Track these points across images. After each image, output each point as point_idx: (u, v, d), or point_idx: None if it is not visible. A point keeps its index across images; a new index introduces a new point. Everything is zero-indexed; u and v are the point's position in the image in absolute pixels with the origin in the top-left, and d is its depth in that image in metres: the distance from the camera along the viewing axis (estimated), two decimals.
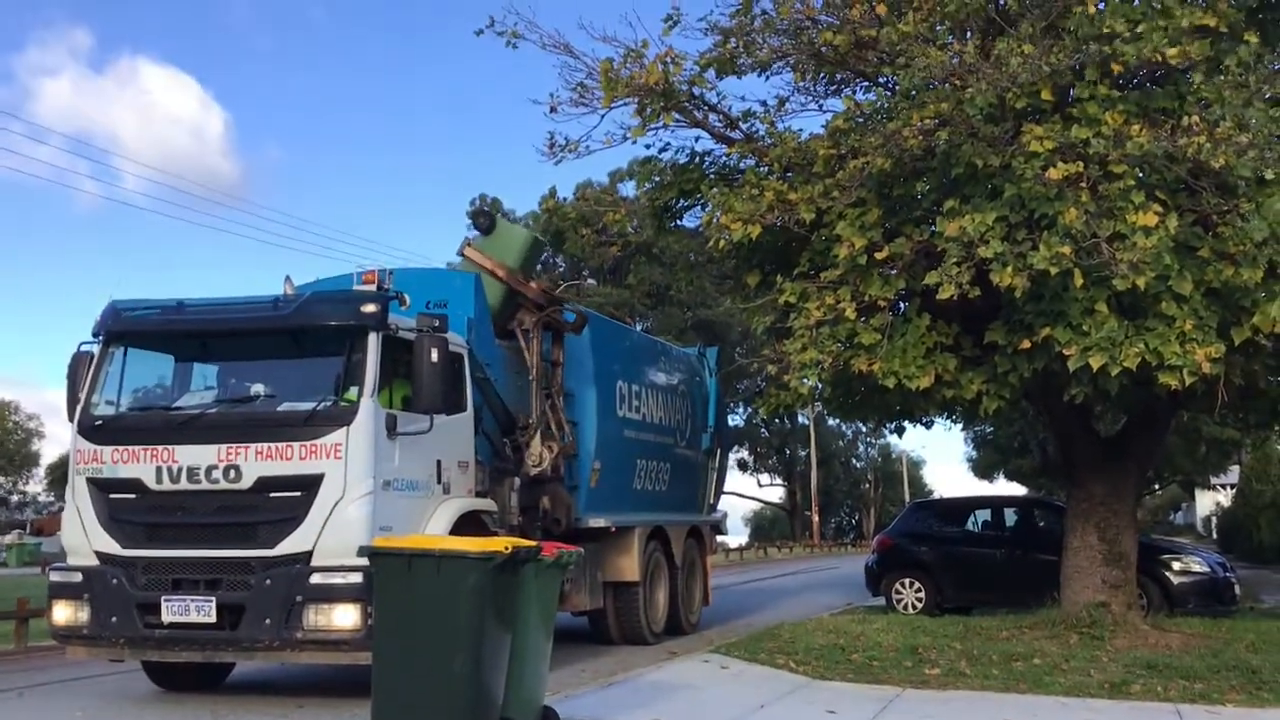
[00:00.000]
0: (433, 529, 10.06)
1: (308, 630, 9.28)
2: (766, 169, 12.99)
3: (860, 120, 12.21)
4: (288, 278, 10.98)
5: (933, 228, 11.38)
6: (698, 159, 14.25)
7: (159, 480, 9.84)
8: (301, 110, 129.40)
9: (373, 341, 9.92)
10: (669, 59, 12.41)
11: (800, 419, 67.49)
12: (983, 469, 48.67)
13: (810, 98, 13.99)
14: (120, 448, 10.03)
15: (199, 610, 9.53)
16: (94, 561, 9.95)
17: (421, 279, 11.95)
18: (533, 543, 7.51)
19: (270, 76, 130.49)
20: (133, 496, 9.92)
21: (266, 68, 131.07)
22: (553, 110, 13.09)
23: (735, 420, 72.55)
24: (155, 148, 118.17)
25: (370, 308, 9.95)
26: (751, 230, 11.89)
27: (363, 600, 8.96)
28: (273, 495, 9.56)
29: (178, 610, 9.58)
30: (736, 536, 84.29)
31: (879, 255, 11.29)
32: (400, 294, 10.34)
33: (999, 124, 11.06)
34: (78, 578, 9.99)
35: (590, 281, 52.89)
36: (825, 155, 11.98)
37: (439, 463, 10.55)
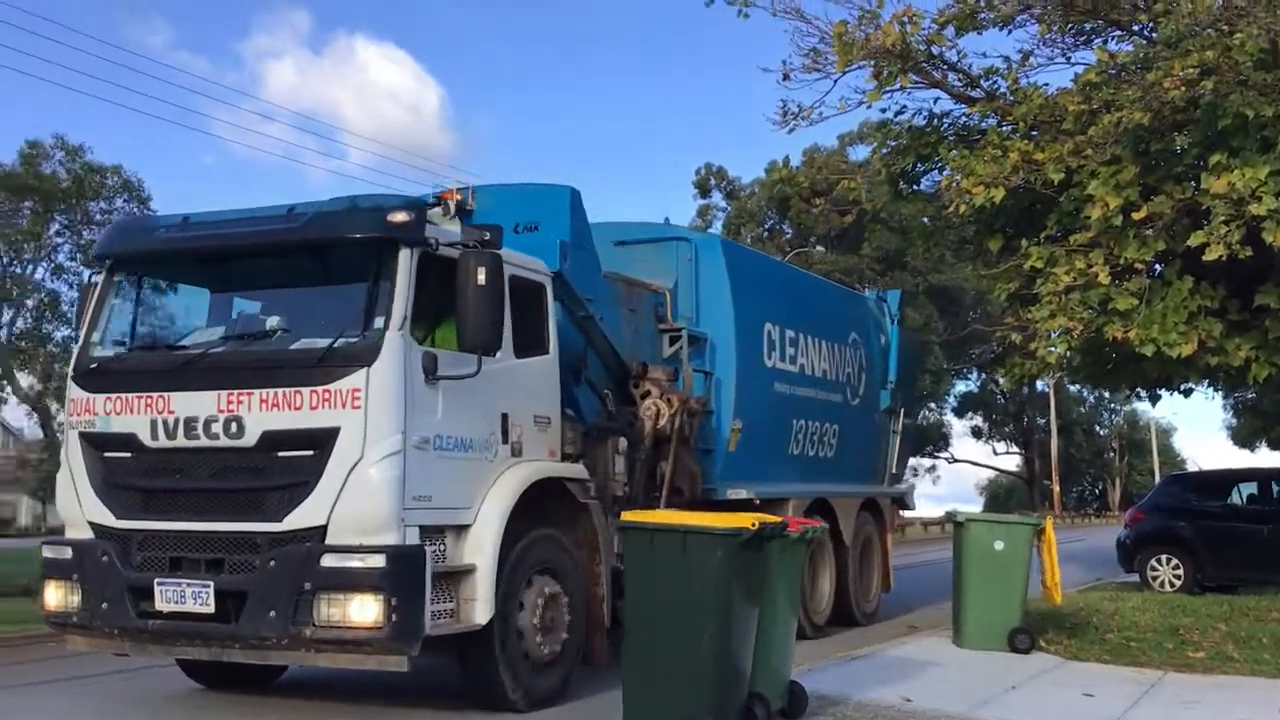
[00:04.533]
0: (493, 501, 8.08)
1: (319, 625, 7.30)
2: (1010, 128, 12.53)
3: (1114, 72, 11.63)
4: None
5: (1195, 185, 10.73)
6: (936, 121, 13.84)
7: (154, 435, 7.90)
8: (514, 82, 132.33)
9: (404, 260, 7.71)
10: (906, 18, 12.08)
11: (1039, 385, 65.10)
12: (1244, 437, 45.89)
13: (1057, 51, 13.38)
14: (114, 396, 8.11)
15: (196, 598, 7.59)
16: (88, 534, 8.16)
17: (510, 198, 9.88)
18: (778, 518, 7.43)
19: (482, 49, 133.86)
20: (128, 456, 8.05)
21: (479, 41, 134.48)
22: (785, 78, 12.97)
23: (968, 386, 70.88)
24: (374, 122, 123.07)
25: (400, 216, 7.72)
26: (995, 193, 11.49)
27: (385, 590, 7.19)
28: (280, 455, 7.59)
29: (172, 597, 7.67)
30: (969, 505, 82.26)
31: (1135, 215, 10.76)
32: (448, 199, 8.43)
33: (1271, 71, 10.29)
34: (68, 554, 8.20)
35: (819, 249, 52.25)
36: (1075, 111, 11.46)
37: (505, 417, 8.40)
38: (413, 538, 7.43)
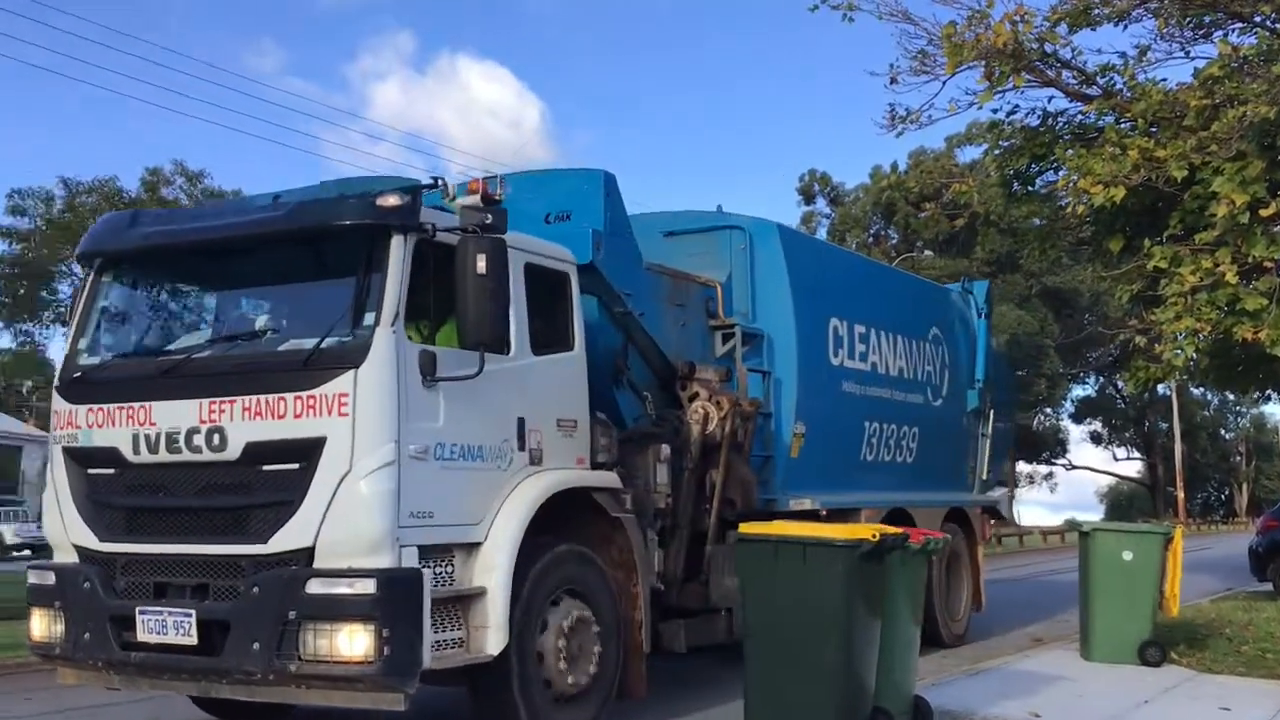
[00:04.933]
0: (508, 515, 7.26)
1: (305, 659, 6.51)
2: (1129, 125, 12.20)
3: (1237, 65, 11.24)
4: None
5: None
6: (1050, 120, 13.54)
7: (136, 450, 7.19)
8: (614, 94, 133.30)
9: (396, 248, 6.88)
10: (1018, 17, 11.84)
11: (1161, 388, 63.32)
12: None
13: (1175, 45, 13.02)
14: (95, 407, 7.40)
15: (178, 628, 6.88)
16: (73, 558, 7.47)
17: (541, 185, 9.09)
18: (900, 530, 7.31)
19: (582, 64, 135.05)
20: (111, 472, 7.36)
21: (578, 55, 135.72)
22: (892, 81, 12.86)
23: (1086, 390, 69.29)
24: (477, 139, 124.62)
25: (391, 200, 6.90)
26: (1114, 193, 11.19)
27: (377, 619, 6.39)
28: (265, 469, 6.82)
29: (154, 627, 6.96)
30: (1089, 513, 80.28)
31: (1264, 212, 10.44)
32: (444, 181, 7.62)
33: None
34: (51, 580, 7.53)
35: (927, 254, 51.58)
36: (1197, 106, 11.14)
37: (521, 421, 7.55)
38: (410, 559, 6.60)
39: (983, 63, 12.16)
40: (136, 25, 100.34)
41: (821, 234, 50.72)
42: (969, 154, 37.01)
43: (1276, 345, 10.63)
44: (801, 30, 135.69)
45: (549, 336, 7.88)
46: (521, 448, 7.53)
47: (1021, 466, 69.18)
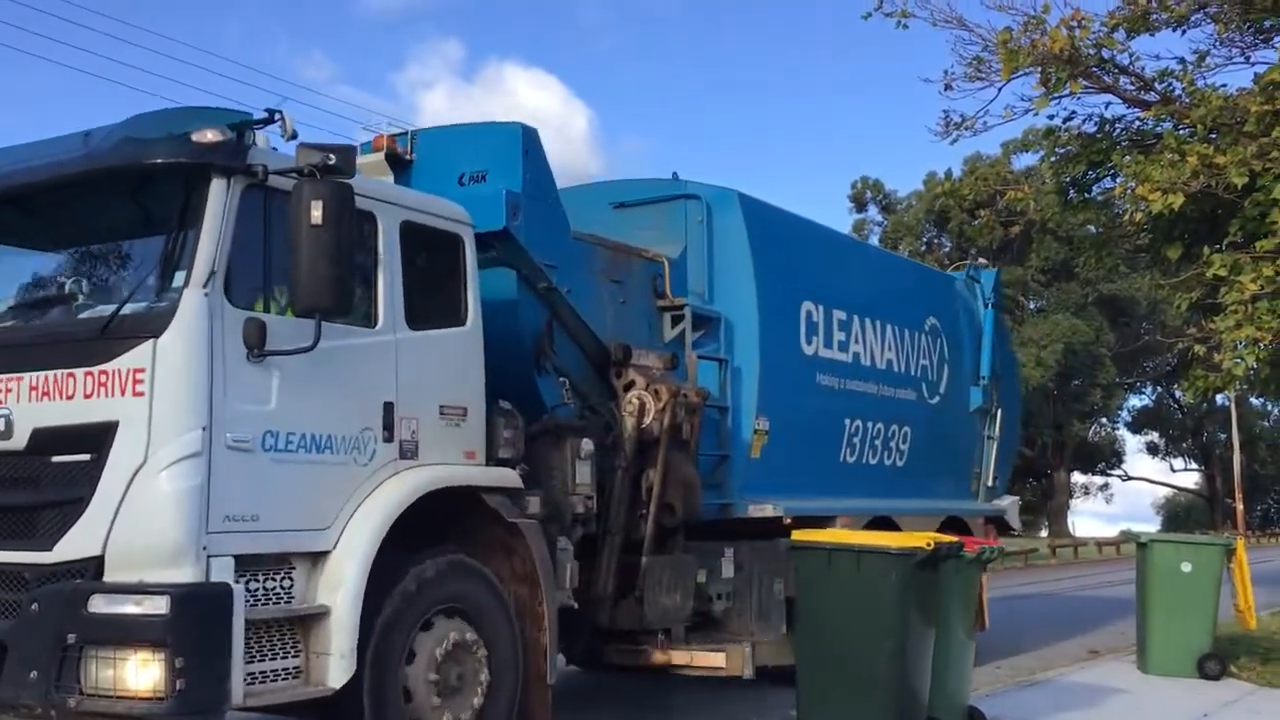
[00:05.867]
0: (364, 519, 6.07)
1: (87, 693, 5.35)
2: (1188, 131, 12.03)
3: None
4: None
5: None
6: (1107, 126, 13.37)
7: None
8: (662, 101, 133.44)
9: (216, 193, 5.69)
10: (1075, 22, 11.73)
11: (1219, 399, 62.33)
12: None
13: (1235, 50, 12.82)
14: None
15: None
16: None
17: (455, 142, 8.02)
18: (954, 538, 7.27)
19: (629, 70, 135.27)
20: None
21: (625, 62, 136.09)
22: (947, 88, 12.80)
23: (1142, 400, 68.32)
24: None
25: (209, 136, 5.66)
26: (1173, 200, 11.04)
27: (169, 646, 5.23)
28: (54, 460, 5.70)
29: None
30: (1145, 525, 79.00)
31: None
32: (282, 115, 6.00)
33: None
34: None
35: (981, 261, 51.14)
36: (1258, 112, 10.97)
37: (389, 407, 6.33)
38: (221, 571, 5.42)
39: (1039, 69, 12.04)
40: (188, 34, 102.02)
41: (874, 241, 50.40)
42: (1025, 160, 36.64)
43: None
44: (855, 37, 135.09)
45: (433, 309, 6.74)
46: (389, 438, 6.32)
47: (1077, 477, 68.49)
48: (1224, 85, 12.42)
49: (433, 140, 7.92)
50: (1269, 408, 73.89)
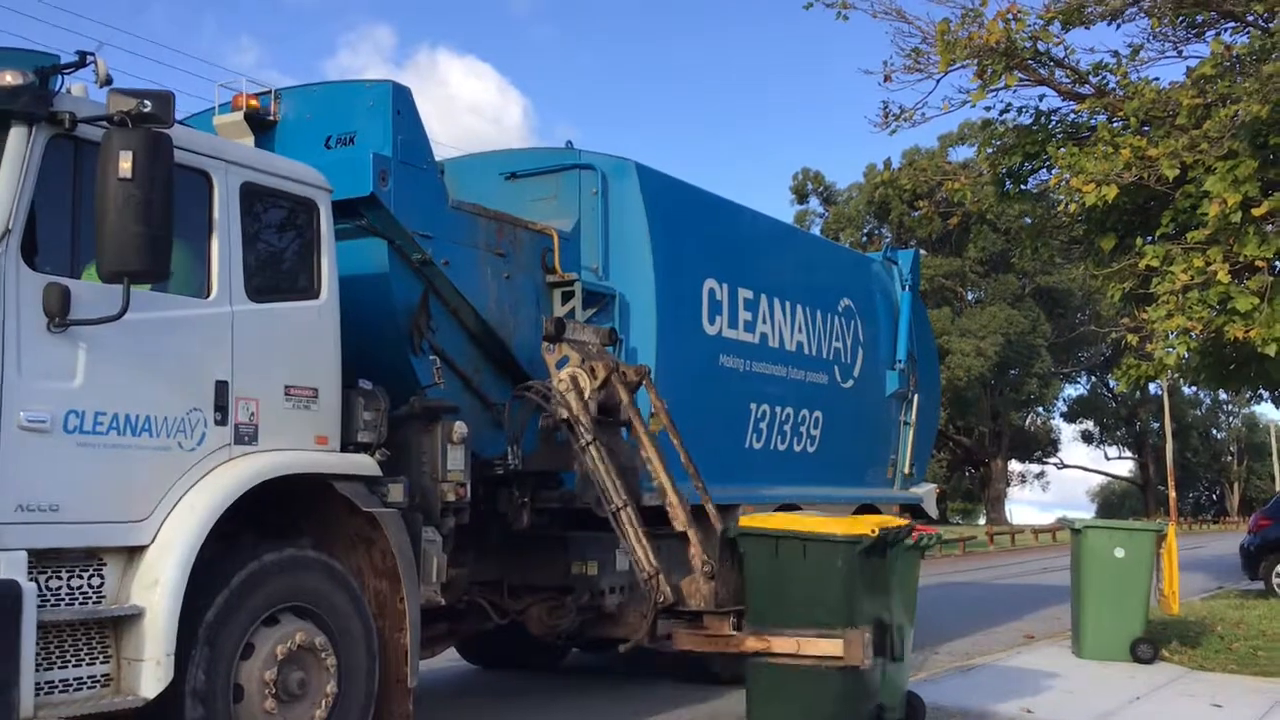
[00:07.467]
0: (187, 510, 5.47)
1: None
2: (1121, 124, 12.23)
3: (1229, 64, 11.28)
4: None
5: None
6: (1043, 119, 13.58)
7: None
8: (598, 89, 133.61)
9: (16, 142, 5.13)
10: (1011, 15, 11.89)
11: (1152, 387, 63.43)
12: None
13: (1168, 44, 13.08)
14: None
15: None
16: None
17: (323, 102, 7.50)
18: (903, 522, 7.28)
19: (564, 59, 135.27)
20: None
21: (561, 50, 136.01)
22: (886, 79, 12.92)
23: (1077, 389, 69.40)
24: (459, 135, 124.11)
25: (8, 79, 5.09)
26: (1106, 191, 11.23)
27: None
28: None
29: None
30: (1081, 511, 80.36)
31: (1255, 211, 10.46)
32: (95, 58, 5.35)
33: None
34: None
35: (921, 253, 51.67)
36: (1189, 105, 11.17)
37: (223, 387, 5.76)
38: (11, 567, 4.78)
39: (975, 61, 12.21)
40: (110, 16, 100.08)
41: (815, 232, 50.72)
42: (962, 153, 37.19)
43: (1268, 344, 10.64)
44: (795, 28, 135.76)
45: (281, 280, 6.26)
46: (222, 421, 5.74)
47: (1014, 465, 69.41)
48: (1157, 79, 12.67)
49: (298, 100, 7.39)
50: (1201, 397, 75.54)
